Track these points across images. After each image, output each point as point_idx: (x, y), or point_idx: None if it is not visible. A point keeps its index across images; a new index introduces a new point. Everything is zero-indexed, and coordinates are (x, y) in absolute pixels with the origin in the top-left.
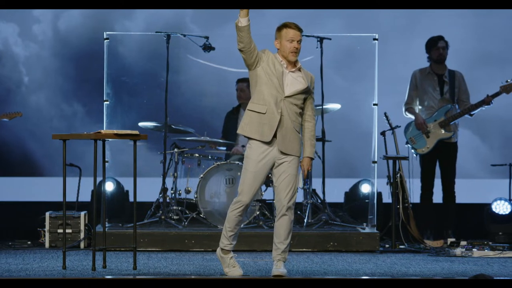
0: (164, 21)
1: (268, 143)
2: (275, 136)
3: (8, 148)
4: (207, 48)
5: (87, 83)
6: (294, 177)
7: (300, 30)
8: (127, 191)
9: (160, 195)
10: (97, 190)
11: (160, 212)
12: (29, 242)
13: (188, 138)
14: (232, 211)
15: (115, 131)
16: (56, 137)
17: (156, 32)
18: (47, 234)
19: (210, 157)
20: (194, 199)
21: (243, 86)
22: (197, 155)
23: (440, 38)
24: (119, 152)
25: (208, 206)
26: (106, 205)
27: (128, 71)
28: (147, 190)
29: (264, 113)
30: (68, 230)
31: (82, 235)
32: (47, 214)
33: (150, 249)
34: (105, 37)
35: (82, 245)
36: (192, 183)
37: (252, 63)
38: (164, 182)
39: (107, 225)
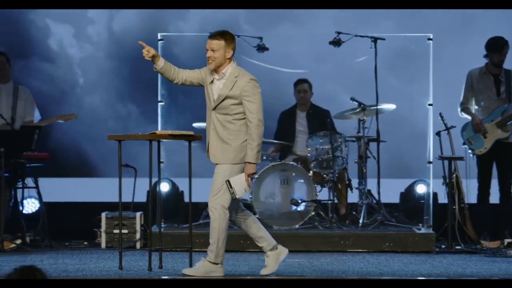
0: (218, 22)
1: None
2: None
3: (64, 149)
4: (261, 48)
5: (141, 84)
6: (216, 182)
7: (213, 37)
8: (182, 192)
9: None
10: (153, 191)
11: None
12: (85, 243)
13: None
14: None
15: (170, 132)
16: (111, 138)
17: (210, 33)
18: (103, 235)
19: (264, 157)
20: (249, 200)
21: (306, 87)
22: None
23: (505, 42)
24: (174, 153)
25: (263, 206)
26: (161, 206)
27: None
28: (202, 191)
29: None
30: (124, 231)
31: (138, 235)
32: (103, 214)
33: (205, 250)
34: (159, 38)
35: (138, 245)
36: None
37: (202, 85)
38: None
39: (162, 226)
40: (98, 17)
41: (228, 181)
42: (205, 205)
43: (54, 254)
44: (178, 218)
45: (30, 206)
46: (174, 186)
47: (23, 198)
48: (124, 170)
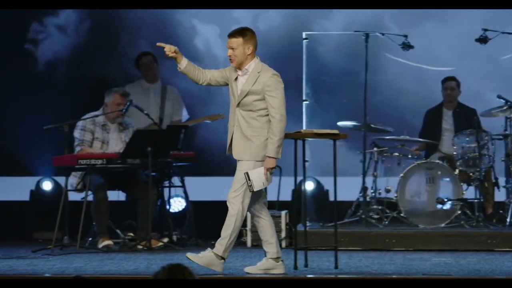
0: (363, 20)
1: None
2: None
3: (210, 148)
4: (406, 46)
5: (286, 83)
6: (238, 178)
7: (231, 36)
8: (327, 190)
9: (360, 194)
10: (298, 190)
11: (361, 211)
12: None
13: (387, 137)
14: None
15: (315, 131)
16: None
17: (354, 31)
18: (248, 233)
19: (410, 156)
20: (395, 198)
21: (453, 85)
22: (396, 154)
23: None
24: (319, 152)
25: (408, 205)
26: (306, 204)
27: (327, 70)
28: (347, 189)
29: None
30: None
31: (283, 234)
32: (249, 213)
33: (351, 248)
34: (304, 37)
35: (283, 244)
36: (392, 182)
37: (227, 84)
38: (364, 181)
39: (307, 224)
40: (243, 17)
41: (247, 173)
42: (350, 204)
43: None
44: (323, 217)
45: (177, 205)
46: (319, 184)
47: (170, 197)
48: None
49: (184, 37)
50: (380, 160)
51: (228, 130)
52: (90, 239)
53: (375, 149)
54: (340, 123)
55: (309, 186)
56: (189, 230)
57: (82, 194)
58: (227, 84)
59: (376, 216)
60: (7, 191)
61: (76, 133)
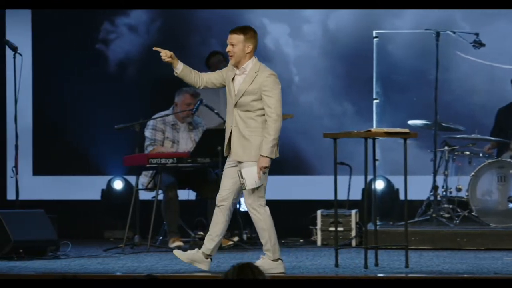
0: (434, 18)
1: (231, 156)
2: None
3: (280, 148)
4: (477, 44)
5: (356, 82)
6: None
7: (232, 32)
8: (398, 189)
9: (431, 193)
10: (368, 189)
11: (431, 210)
12: (301, 240)
13: (458, 136)
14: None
15: (386, 130)
16: (327, 135)
17: (425, 29)
18: (319, 232)
19: (481, 154)
20: (466, 197)
21: None
22: (467, 152)
23: None
24: (389, 150)
25: (480, 204)
26: (377, 203)
27: (397, 69)
28: (418, 188)
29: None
30: (340, 228)
31: (353, 233)
32: (319, 212)
33: (421, 247)
34: (374, 35)
35: (353, 243)
36: (463, 181)
37: (224, 85)
38: (434, 180)
39: (378, 223)
40: (313, 16)
41: (240, 171)
42: (420, 203)
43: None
44: (393, 216)
45: None
46: (389, 183)
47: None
48: (340, 167)
49: None
50: (451, 158)
51: (226, 131)
52: (161, 238)
53: (446, 148)
54: (410, 122)
55: (379, 185)
56: None
57: (153, 193)
58: (223, 86)
59: (446, 215)
60: (79, 190)
61: (147, 133)
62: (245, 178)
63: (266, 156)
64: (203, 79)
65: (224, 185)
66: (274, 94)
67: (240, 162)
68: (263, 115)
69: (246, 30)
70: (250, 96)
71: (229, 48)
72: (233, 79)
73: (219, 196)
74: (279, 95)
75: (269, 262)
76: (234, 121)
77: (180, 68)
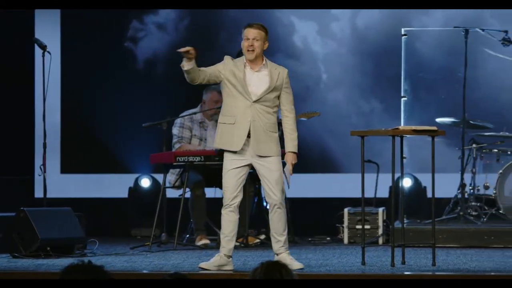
0: (463, 16)
1: (241, 152)
2: (247, 143)
3: (307, 145)
4: (506, 42)
5: (384, 80)
6: (280, 174)
7: (255, 27)
8: (425, 187)
9: (459, 191)
10: (395, 186)
11: (459, 208)
12: (328, 238)
13: (486, 134)
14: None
15: (413, 127)
16: (354, 133)
17: (454, 27)
18: (345, 230)
19: (509, 152)
20: (493, 195)
21: None
22: (495, 150)
23: None
24: (417, 148)
25: (507, 202)
26: (404, 201)
27: (426, 66)
28: (445, 186)
29: (233, 124)
30: (367, 226)
31: (380, 231)
32: (346, 210)
33: (448, 245)
34: (402, 33)
35: (380, 241)
36: (490, 178)
37: (216, 81)
38: (462, 178)
39: (405, 221)
40: (341, 14)
41: (284, 171)
42: (447, 201)
43: (297, 250)
44: (420, 214)
45: None
46: (416, 181)
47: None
48: (367, 165)
49: (282, 34)
50: (479, 156)
51: (236, 126)
52: (188, 236)
53: (473, 145)
54: (438, 120)
55: (407, 182)
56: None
57: (180, 191)
58: (216, 82)
59: (474, 213)
60: (106, 188)
61: (175, 130)
62: (288, 177)
63: (295, 152)
64: (200, 76)
65: (230, 187)
66: (291, 91)
67: (261, 157)
68: (276, 110)
69: (265, 28)
70: (274, 92)
71: (251, 42)
72: (244, 74)
73: (227, 199)
74: None
75: (290, 257)
76: (251, 116)
77: (191, 65)
